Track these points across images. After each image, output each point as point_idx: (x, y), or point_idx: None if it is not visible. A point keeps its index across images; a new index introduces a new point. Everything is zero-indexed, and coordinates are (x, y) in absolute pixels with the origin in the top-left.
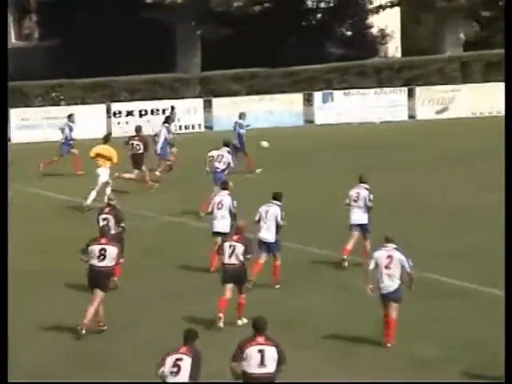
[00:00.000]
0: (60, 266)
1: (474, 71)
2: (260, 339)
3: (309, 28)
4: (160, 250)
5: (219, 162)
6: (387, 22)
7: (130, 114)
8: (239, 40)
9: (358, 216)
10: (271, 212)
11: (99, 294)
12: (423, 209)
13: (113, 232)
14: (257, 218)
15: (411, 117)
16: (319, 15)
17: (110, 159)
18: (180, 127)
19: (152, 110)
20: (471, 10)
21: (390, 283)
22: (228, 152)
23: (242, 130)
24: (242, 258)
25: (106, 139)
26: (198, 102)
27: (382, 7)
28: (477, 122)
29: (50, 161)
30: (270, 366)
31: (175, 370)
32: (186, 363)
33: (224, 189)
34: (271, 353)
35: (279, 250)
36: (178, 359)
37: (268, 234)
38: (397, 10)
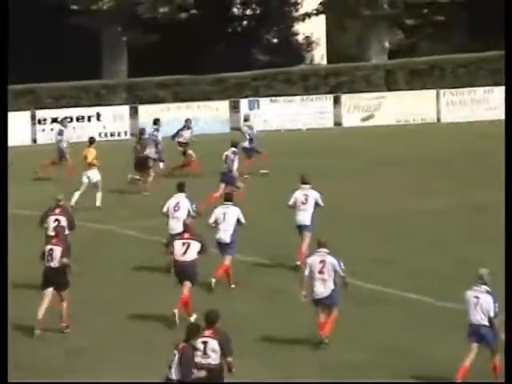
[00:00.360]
0: None
1: (399, 79)
2: (207, 332)
3: (235, 35)
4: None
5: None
6: (313, 29)
7: (54, 120)
8: (166, 46)
9: (305, 217)
10: (229, 213)
11: (50, 292)
12: (358, 215)
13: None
14: (212, 221)
15: (337, 124)
16: (245, 22)
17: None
18: (106, 134)
19: (77, 117)
20: (395, 18)
21: (323, 289)
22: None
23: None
24: (196, 255)
25: (92, 142)
26: (125, 109)
27: (307, 15)
28: (402, 129)
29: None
30: (213, 358)
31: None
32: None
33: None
34: (212, 344)
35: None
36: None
37: (225, 235)
38: (322, 17)
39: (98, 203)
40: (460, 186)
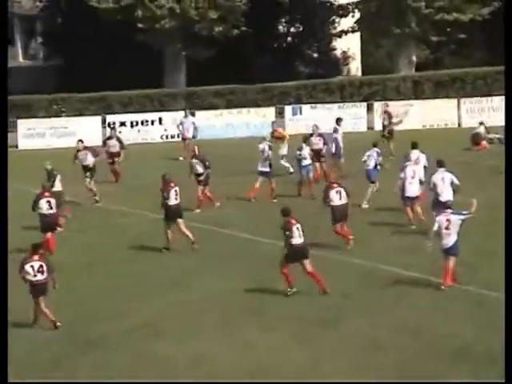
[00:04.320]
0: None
1: (425, 89)
2: (292, 220)
3: (281, 49)
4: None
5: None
6: (349, 45)
7: (122, 124)
8: (220, 59)
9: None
10: (446, 178)
11: None
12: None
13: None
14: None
15: (370, 128)
16: (289, 38)
17: None
18: (167, 136)
19: (142, 121)
20: (422, 36)
21: (448, 241)
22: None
23: (337, 134)
24: None
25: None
26: (183, 114)
27: (344, 32)
28: (427, 132)
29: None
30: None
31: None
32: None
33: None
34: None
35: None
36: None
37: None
38: (357, 34)
39: None
40: (477, 184)
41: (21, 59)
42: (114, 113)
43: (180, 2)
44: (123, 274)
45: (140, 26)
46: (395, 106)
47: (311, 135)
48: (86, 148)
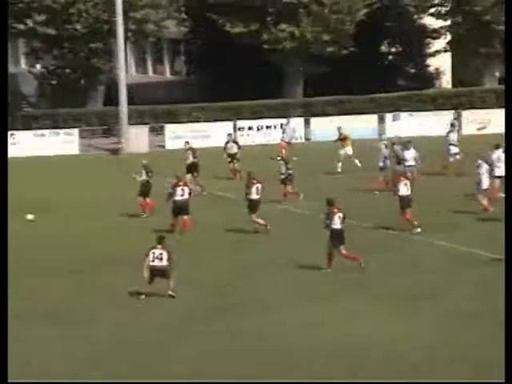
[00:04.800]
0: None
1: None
2: (335, 209)
3: (383, 66)
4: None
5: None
6: (441, 62)
7: (250, 128)
8: (331, 74)
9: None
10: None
11: None
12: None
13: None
14: None
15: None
16: (390, 57)
17: None
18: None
19: (267, 126)
20: None
21: None
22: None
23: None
24: None
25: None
26: (300, 121)
27: (437, 52)
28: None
29: None
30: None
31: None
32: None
33: None
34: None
35: None
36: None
37: None
38: (448, 54)
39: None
40: None
41: (168, 75)
42: (243, 119)
43: (299, 27)
44: (252, 251)
45: (265, 46)
46: (480, 114)
47: (409, 141)
48: (190, 149)
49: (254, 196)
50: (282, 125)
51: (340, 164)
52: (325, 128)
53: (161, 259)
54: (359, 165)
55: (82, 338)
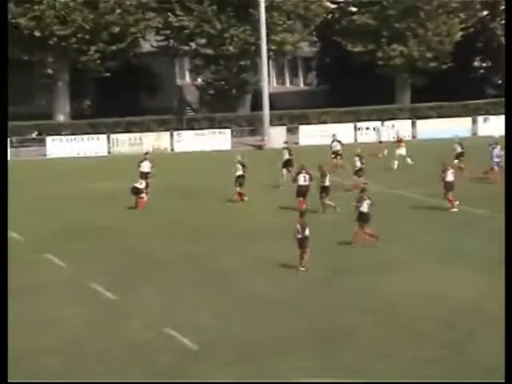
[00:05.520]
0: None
1: None
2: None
3: (476, 78)
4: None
5: None
6: None
7: (367, 128)
8: (433, 85)
9: None
10: None
11: None
12: None
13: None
14: None
15: None
16: (482, 70)
17: None
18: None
19: (379, 126)
20: None
21: None
22: None
23: None
24: None
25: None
26: (408, 122)
27: None
28: None
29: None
30: None
31: None
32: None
33: None
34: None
35: None
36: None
37: None
38: None
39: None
40: None
41: (301, 85)
42: (362, 120)
43: (407, 46)
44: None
45: (380, 62)
46: None
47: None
48: (286, 148)
49: (302, 182)
50: (393, 125)
51: (396, 162)
52: (428, 128)
53: (300, 232)
54: (411, 163)
55: None
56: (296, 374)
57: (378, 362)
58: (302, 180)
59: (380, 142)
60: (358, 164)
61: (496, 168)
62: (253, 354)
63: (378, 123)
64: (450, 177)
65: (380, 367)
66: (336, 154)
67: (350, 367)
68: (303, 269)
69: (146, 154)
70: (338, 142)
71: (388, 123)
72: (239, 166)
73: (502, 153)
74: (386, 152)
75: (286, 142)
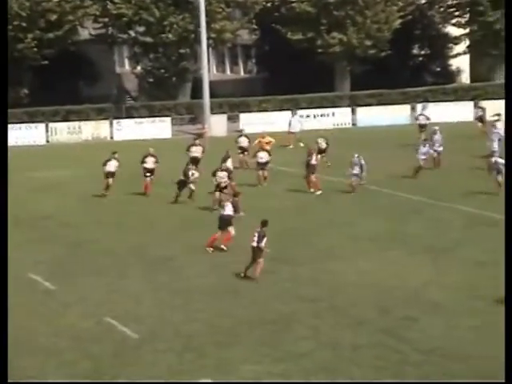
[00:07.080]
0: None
1: None
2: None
3: (414, 65)
4: None
5: None
6: (461, 62)
7: (307, 116)
8: (372, 72)
9: None
10: None
11: None
12: None
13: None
14: None
15: (476, 119)
16: (420, 58)
17: None
18: (338, 124)
19: (321, 114)
20: None
21: None
22: None
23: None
24: None
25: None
26: (348, 110)
27: (458, 54)
28: None
29: None
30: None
31: None
32: None
33: None
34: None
35: None
36: None
37: None
38: (467, 56)
39: None
40: None
41: (242, 73)
42: (301, 108)
43: (346, 34)
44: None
45: (319, 50)
46: (495, 105)
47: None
48: (244, 135)
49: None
50: (333, 113)
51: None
52: (368, 116)
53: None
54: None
55: None
56: (239, 360)
57: (319, 349)
58: (314, 159)
59: (290, 133)
60: (324, 145)
61: (422, 163)
62: (195, 343)
63: (329, 110)
64: (314, 160)
65: (322, 353)
66: (243, 149)
67: (293, 353)
68: (224, 247)
69: (196, 139)
70: (246, 137)
71: (300, 113)
72: (150, 159)
73: (438, 138)
74: (301, 144)
75: (241, 130)
